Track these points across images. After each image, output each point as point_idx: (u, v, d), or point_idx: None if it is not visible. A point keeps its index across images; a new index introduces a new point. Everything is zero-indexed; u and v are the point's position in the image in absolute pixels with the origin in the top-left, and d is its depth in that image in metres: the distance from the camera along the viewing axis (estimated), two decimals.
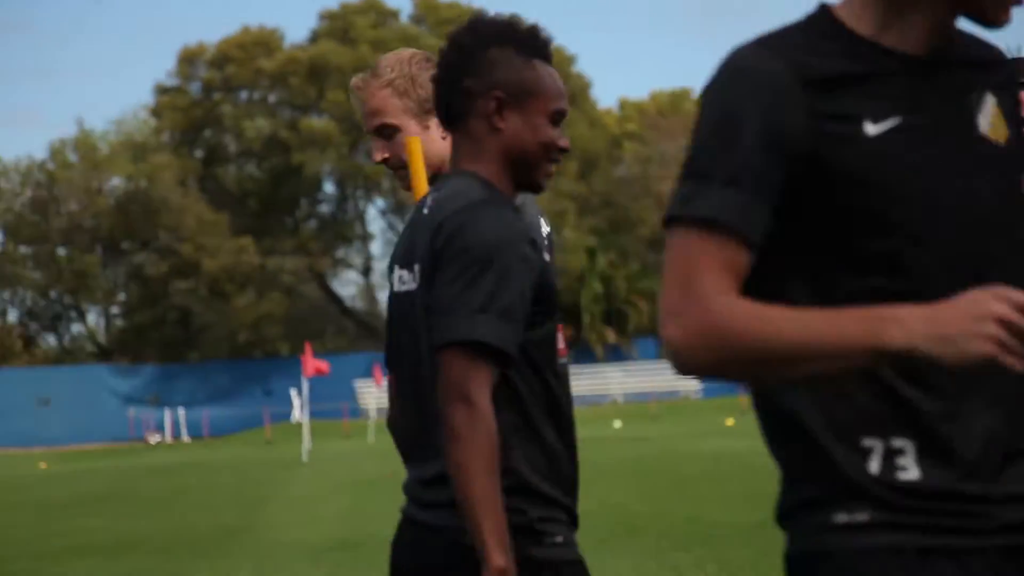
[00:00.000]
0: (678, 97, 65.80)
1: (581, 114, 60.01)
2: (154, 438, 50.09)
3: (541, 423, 3.08)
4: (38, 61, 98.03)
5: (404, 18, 60.91)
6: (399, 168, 3.84)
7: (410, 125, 3.81)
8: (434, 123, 3.78)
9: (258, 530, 14.89)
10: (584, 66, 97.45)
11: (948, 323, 1.96)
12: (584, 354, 56.72)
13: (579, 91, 61.28)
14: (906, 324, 1.97)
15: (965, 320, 1.96)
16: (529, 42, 3.20)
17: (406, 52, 3.88)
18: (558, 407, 3.12)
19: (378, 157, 3.83)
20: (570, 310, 57.88)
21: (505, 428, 3.05)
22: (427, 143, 3.80)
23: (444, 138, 3.77)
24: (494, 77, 3.16)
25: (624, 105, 65.12)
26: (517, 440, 3.08)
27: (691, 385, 54.15)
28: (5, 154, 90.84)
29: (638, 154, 62.17)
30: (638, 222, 60.82)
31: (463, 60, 3.18)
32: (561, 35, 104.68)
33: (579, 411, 48.08)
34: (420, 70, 3.80)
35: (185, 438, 50.17)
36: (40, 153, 60.66)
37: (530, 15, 3.26)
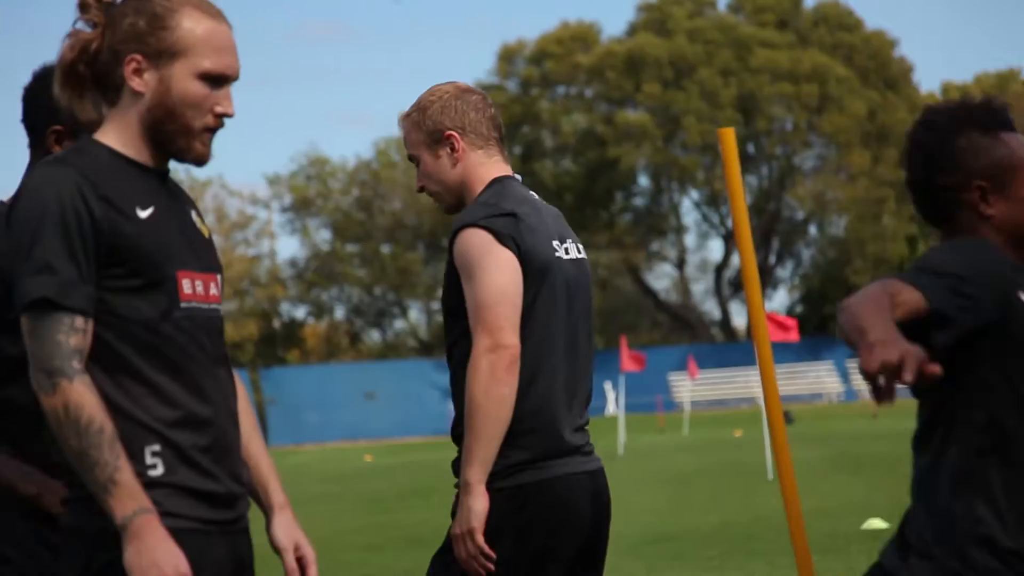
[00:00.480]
0: (1004, 79, 63.50)
1: (902, 99, 58.53)
2: None
3: (993, 460, 2.95)
4: (364, 63, 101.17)
5: (721, 7, 60.45)
6: (433, 195, 4.11)
7: (424, 155, 4.05)
8: (445, 152, 4.01)
9: None
10: (906, 50, 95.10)
11: None
12: None
13: (901, 76, 59.77)
14: None
15: None
16: (989, 118, 3.15)
17: (438, 85, 4.12)
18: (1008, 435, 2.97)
19: (416, 187, 4.13)
20: None
21: (954, 475, 2.95)
22: (440, 171, 4.05)
23: (455, 164, 4.00)
24: (969, 167, 3.11)
25: (947, 89, 63.17)
26: (970, 487, 2.95)
27: None
28: (333, 154, 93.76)
29: None
30: None
31: (932, 159, 3.14)
32: (883, 19, 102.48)
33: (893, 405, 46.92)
34: (435, 100, 4.05)
35: None
36: (366, 153, 62.36)
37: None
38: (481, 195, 4.00)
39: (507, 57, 60.72)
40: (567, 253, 4.02)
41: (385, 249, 61.57)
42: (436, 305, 64.44)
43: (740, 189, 4.58)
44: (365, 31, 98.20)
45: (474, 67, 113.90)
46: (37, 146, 3.68)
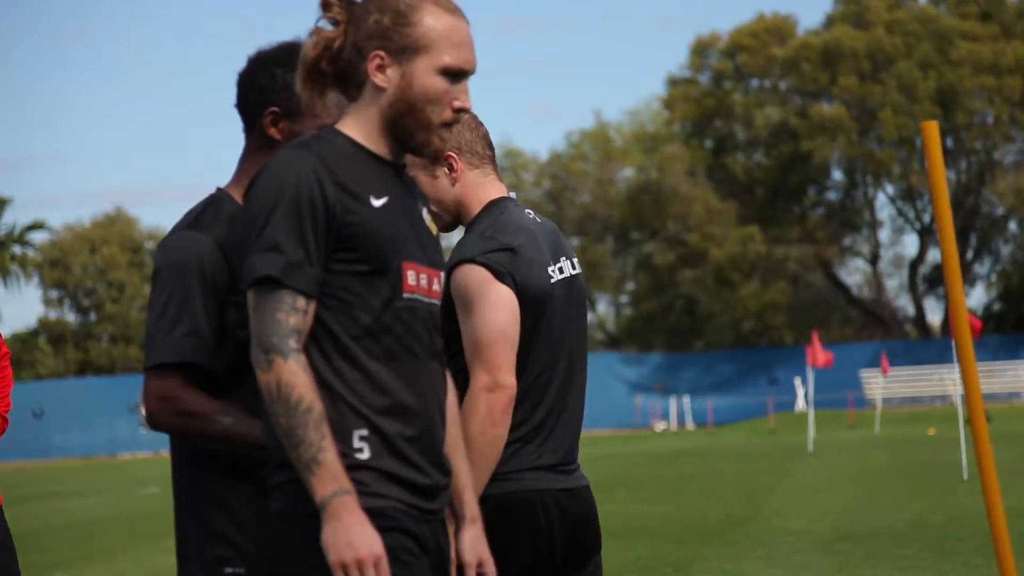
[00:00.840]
0: None
1: None
2: (660, 426, 50.92)
3: None
4: (558, 55, 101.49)
5: None
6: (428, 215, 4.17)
7: (420, 176, 4.11)
8: (442, 172, 4.09)
9: (765, 519, 14.88)
10: None
11: None
12: None
13: None
14: None
15: None
16: None
17: None
18: None
19: None
20: None
21: None
22: (438, 192, 4.11)
23: (453, 184, 4.08)
24: None
25: None
26: None
27: None
28: (525, 146, 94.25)
29: None
30: None
31: None
32: None
33: None
34: None
35: (689, 426, 50.75)
36: (559, 145, 62.49)
37: None
38: (479, 224, 4.05)
39: (700, 50, 60.35)
40: (561, 273, 4.11)
41: (574, 242, 61.71)
42: (624, 298, 64.43)
43: (943, 183, 4.51)
44: (559, 23, 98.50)
45: (666, 60, 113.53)
46: (252, 130, 3.73)
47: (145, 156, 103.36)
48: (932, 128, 4.52)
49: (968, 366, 4.40)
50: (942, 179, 4.51)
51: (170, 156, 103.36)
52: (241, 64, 3.74)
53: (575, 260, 4.20)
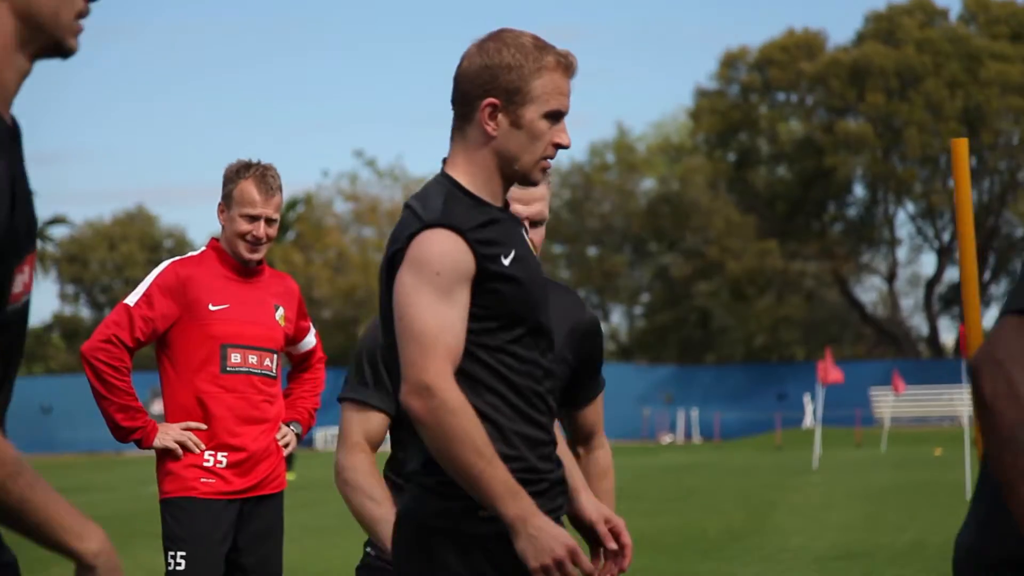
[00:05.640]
0: None
1: None
2: (666, 438, 50.76)
3: None
4: (587, 64, 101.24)
5: (953, 18, 58.97)
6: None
7: None
8: None
9: (765, 534, 14.74)
10: None
11: None
12: None
13: None
14: None
15: None
16: None
17: None
18: None
19: None
20: None
21: None
22: None
23: None
24: None
25: None
26: None
27: None
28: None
29: None
30: None
31: None
32: None
33: None
34: None
35: (696, 439, 50.59)
36: (580, 155, 62.36)
37: None
38: None
39: (729, 63, 60.13)
40: None
41: (591, 251, 61.57)
42: (638, 310, 64.16)
43: (968, 201, 4.46)
44: (589, 34, 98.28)
45: (696, 71, 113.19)
46: None
47: (168, 155, 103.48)
48: (961, 146, 4.47)
49: None
50: (968, 197, 4.45)
51: (191, 156, 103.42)
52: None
53: None
